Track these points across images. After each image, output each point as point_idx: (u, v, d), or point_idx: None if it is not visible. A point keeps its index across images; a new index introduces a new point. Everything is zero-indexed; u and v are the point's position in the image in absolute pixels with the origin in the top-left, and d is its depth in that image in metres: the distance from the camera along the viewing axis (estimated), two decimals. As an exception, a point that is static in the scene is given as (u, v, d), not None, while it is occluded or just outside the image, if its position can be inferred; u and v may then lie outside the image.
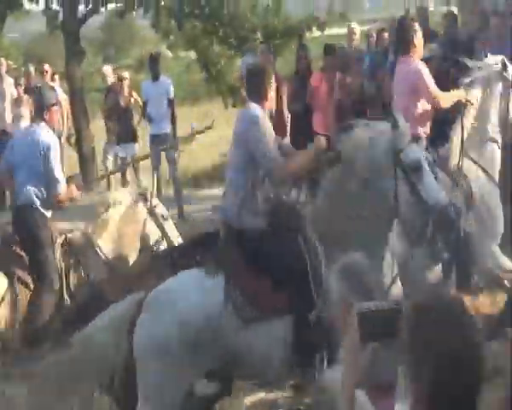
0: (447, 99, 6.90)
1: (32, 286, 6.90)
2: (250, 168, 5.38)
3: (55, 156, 6.90)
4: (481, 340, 2.36)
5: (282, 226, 5.42)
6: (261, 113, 5.44)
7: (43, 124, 7.01)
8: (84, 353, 5.23)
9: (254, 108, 5.45)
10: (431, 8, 15.63)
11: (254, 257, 5.28)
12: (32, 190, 6.87)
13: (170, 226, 7.82)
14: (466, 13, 11.53)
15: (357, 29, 11.85)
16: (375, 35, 11.99)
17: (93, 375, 5.21)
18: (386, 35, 11.22)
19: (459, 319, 2.37)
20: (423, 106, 6.92)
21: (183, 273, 5.36)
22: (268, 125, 5.44)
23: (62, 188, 6.92)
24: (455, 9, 12.04)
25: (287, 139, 11.46)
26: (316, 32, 19.29)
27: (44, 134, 6.94)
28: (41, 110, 7.06)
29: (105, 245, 7.39)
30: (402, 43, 7.22)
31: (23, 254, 6.99)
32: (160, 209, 7.84)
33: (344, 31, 17.49)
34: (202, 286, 5.14)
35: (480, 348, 2.35)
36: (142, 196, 7.74)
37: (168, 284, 5.25)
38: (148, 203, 7.70)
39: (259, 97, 5.52)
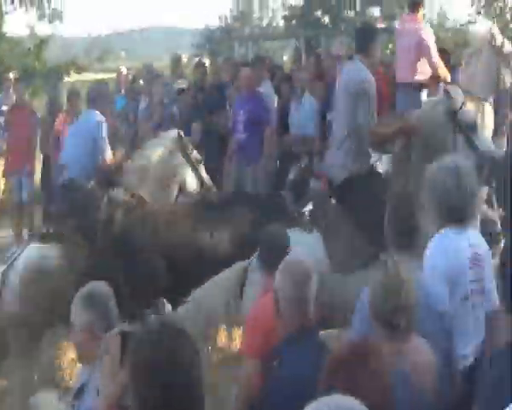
0: (444, 73, 7.49)
1: (82, 246, 7.00)
2: (353, 120, 6.07)
3: (102, 131, 7.70)
4: (199, 373, 2.39)
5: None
6: (368, 74, 6.12)
7: (95, 111, 7.82)
8: (197, 309, 5.82)
9: (360, 65, 6.16)
10: (185, 59, 16.27)
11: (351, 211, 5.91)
12: (76, 164, 7.62)
13: (203, 171, 8.05)
14: (217, 63, 12.17)
15: (125, 72, 12.32)
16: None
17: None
18: (141, 82, 11.62)
19: (173, 349, 2.36)
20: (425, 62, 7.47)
21: None
22: (373, 87, 6.15)
23: (108, 156, 7.77)
24: (207, 61, 12.68)
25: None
26: (74, 76, 19.41)
27: (93, 116, 7.75)
28: (97, 100, 7.91)
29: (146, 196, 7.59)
30: (412, 3, 7.90)
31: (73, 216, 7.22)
32: (195, 154, 8.00)
33: (101, 76, 17.67)
34: (301, 243, 5.50)
35: (196, 380, 2.37)
36: (179, 143, 7.88)
37: None
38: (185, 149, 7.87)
39: (364, 51, 6.23)
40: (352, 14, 23.16)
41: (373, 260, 5.63)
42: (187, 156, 7.88)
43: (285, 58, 16.87)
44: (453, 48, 13.12)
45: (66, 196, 7.47)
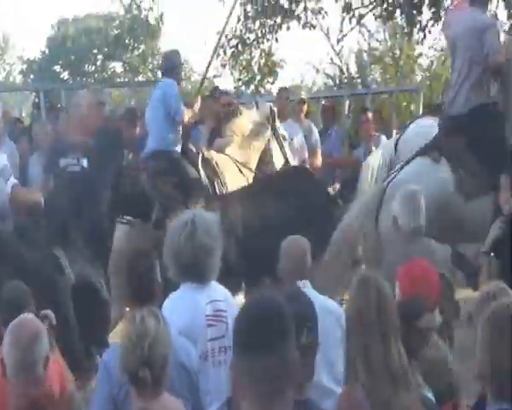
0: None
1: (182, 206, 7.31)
2: (476, 60, 6.63)
3: (173, 95, 7.81)
4: None
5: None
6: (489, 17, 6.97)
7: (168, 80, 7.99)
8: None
9: (480, 14, 6.79)
10: None
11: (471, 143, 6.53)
12: (161, 134, 7.81)
13: (287, 147, 8.56)
14: None
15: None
16: None
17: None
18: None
19: None
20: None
21: (412, 164, 6.58)
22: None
23: (183, 114, 7.86)
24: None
25: None
26: None
27: (164, 84, 7.98)
28: (170, 71, 8.00)
29: (235, 154, 8.18)
30: None
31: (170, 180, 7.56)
32: (282, 130, 8.54)
33: None
34: (432, 173, 6.44)
35: None
36: (268, 116, 8.39)
37: (404, 175, 6.44)
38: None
39: (483, 3, 6.94)
40: (92, 68, 23.13)
41: (493, 188, 6.43)
42: (275, 131, 8.47)
43: (24, 113, 16.42)
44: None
45: (162, 156, 7.73)
